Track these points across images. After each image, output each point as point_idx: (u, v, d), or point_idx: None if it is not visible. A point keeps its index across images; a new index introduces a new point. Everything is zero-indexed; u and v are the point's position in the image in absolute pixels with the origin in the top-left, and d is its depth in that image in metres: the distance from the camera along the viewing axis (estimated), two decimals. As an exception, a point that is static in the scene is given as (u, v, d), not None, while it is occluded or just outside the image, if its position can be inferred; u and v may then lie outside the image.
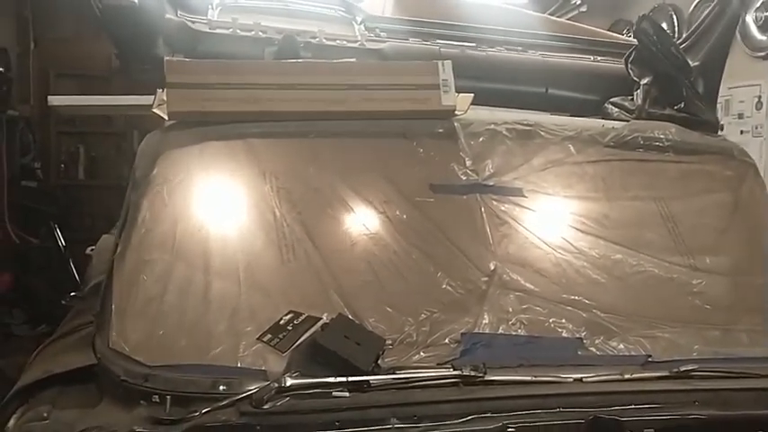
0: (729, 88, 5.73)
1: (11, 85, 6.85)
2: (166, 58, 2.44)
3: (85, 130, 8.05)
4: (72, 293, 3.40)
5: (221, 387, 1.90)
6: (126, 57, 3.15)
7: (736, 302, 2.42)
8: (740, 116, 5.75)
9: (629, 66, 3.13)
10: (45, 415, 1.94)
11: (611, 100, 3.18)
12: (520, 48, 3.27)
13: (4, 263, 6.72)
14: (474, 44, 3.24)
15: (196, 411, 1.81)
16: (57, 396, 2.04)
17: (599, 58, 3.35)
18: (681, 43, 3.28)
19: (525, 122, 2.59)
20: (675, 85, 3.02)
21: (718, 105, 5.75)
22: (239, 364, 1.97)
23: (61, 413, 1.93)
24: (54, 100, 2.36)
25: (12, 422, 2.03)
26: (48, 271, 7.09)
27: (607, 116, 3.12)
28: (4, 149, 6.68)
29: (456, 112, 2.54)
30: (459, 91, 2.72)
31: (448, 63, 2.52)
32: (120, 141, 8.17)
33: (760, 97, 5.63)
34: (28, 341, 6.54)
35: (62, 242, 7.39)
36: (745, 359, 2.21)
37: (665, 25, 5.70)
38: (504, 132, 2.52)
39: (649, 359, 2.15)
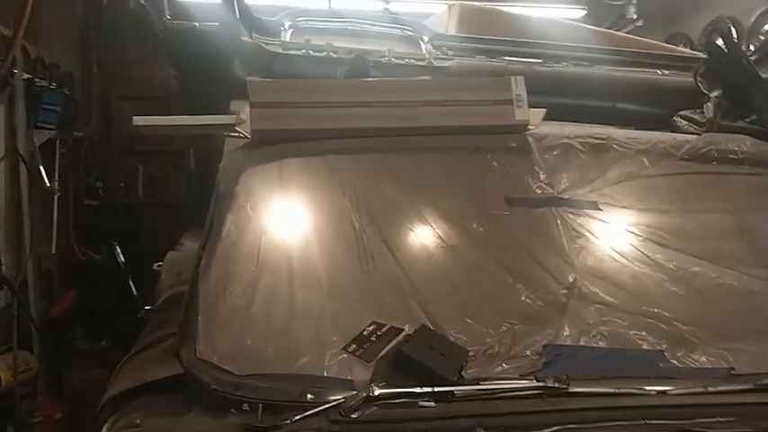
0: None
1: (76, 107, 7.07)
2: (249, 78, 2.52)
3: (144, 149, 8.25)
4: (147, 307, 3.49)
5: (309, 396, 1.93)
6: (186, 77, 3.26)
7: (818, 315, 2.39)
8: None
9: (699, 79, 3.13)
10: (138, 422, 2.01)
11: (681, 113, 3.17)
12: (586, 63, 3.29)
13: (71, 279, 6.91)
14: (540, 60, 3.28)
15: (287, 419, 1.85)
16: (146, 405, 2.10)
17: (665, 72, 3.34)
18: (751, 55, 3.28)
19: (598, 136, 2.61)
20: (747, 97, 3.02)
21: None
22: (326, 374, 2.01)
23: (154, 420, 2.00)
24: (138, 120, 2.45)
25: (105, 430, 2.11)
26: (108, 287, 7.27)
27: (676, 129, 3.12)
28: (70, 169, 6.87)
29: (529, 127, 2.57)
30: (528, 106, 2.76)
31: (520, 78, 2.56)
32: (178, 160, 8.35)
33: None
34: (90, 355, 6.72)
35: (122, 258, 7.56)
36: (830, 372, 2.18)
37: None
38: (578, 146, 2.55)
39: (732, 372, 2.14)
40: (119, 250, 7.67)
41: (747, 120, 3.00)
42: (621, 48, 3.39)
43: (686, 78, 3.21)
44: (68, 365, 6.33)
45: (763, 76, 3.16)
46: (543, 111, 2.63)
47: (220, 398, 1.98)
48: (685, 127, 3.12)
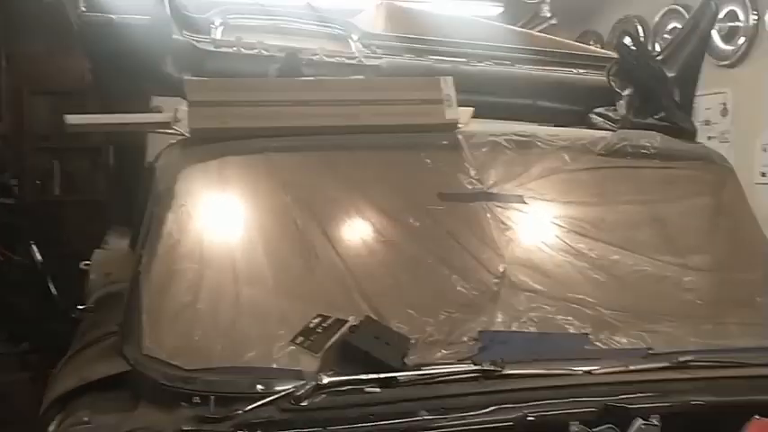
0: (696, 96, 5.99)
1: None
2: (186, 77, 2.56)
3: (60, 146, 8.05)
4: (79, 306, 3.47)
5: (259, 387, 2.01)
6: (102, 73, 3.24)
7: (724, 298, 2.61)
8: (707, 122, 5.99)
9: (611, 78, 3.32)
10: (86, 420, 2.04)
11: (596, 110, 3.35)
12: (507, 62, 3.44)
13: (-17, 280, 6.71)
14: (465, 59, 3.41)
15: (238, 410, 1.92)
16: (92, 403, 2.13)
17: (580, 71, 3.52)
18: (657, 55, 3.50)
19: (523, 133, 2.75)
20: (655, 96, 3.22)
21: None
22: (275, 365, 2.09)
23: (102, 417, 2.03)
24: (71, 119, 2.42)
25: (53, 428, 2.13)
26: (26, 287, 7.08)
27: (592, 126, 3.30)
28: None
29: (458, 125, 2.69)
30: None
31: (449, 79, 2.68)
32: (96, 156, 8.18)
33: (725, 104, 5.89)
34: (10, 358, 6.54)
35: (39, 258, 7.37)
36: (738, 350, 2.39)
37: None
38: (504, 143, 2.68)
39: (650, 351, 2.32)
40: (35, 249, 7.49)
41: (656, 117, 3.19)
42: (539, 47, 3.55)
43: (600, 77, 3.39)
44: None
45: (669, 75, 3.39)
46: (471, 109, 2.76)
47: (170, 392, 2.03)
48: (600, 123, 3.31)
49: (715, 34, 5.85)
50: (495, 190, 2.60)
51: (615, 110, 3.29)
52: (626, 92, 3.27)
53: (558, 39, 3.92)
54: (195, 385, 2.02)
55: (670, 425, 2.03)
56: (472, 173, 2.61)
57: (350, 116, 2.57)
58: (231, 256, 2.33)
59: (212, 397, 1.96)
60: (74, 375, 2.36)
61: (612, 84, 3.32)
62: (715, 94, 5.84)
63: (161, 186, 2.47)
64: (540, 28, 6.65)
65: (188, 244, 2.34)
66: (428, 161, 2.62)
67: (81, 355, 2.63)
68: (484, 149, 2.66)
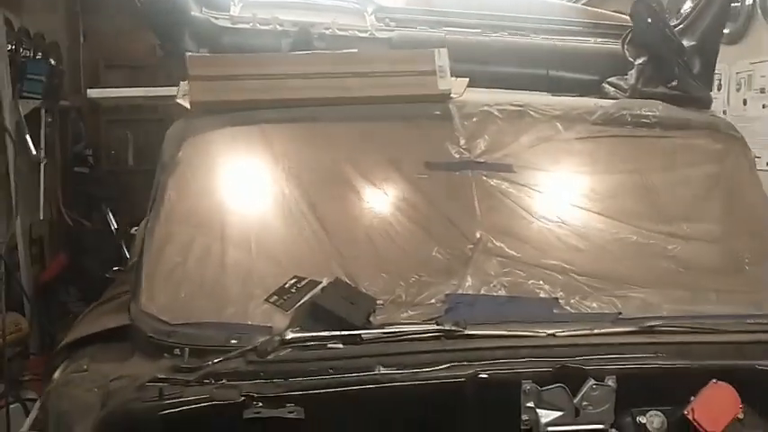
0: (752, 63, 5.81)
1: (62, 77, 7.23)
2: (188, 53, 2.72)
3: (132, 117, 8.41)
4: (115, 268, 3.73)
5: (233, 341, 2.17)
6: (168, 47, 3.43)
7: (710, 265, 2.61)
8: (762, 90, 5.80)
9: (625, 46, 3.31)
10: (84, 367, 2.26)
11: (608, 80, 3.35)
12: (523, 32, 3.46)
13: (60, 244, 7.16)
14: (479, 30, 3.45)
15: (209, 361, 2.09)
16: (95, 352, 2.35)
17: (598, 40, 3.51)
18: (677, 24, 3.45)
19: (516, 103, 2.80)
20: (668, 65, 3.19)
21: (741, 81, 5.87)
22: (249, 322, 2.25)
23: (98, 366, 2.24)
24: (93, 92, 2.65)
25: (57, 373, 2.35)
26: (100, 252, 7.50)
27: (605, 95, 3.30)
28: (57, 138, 7.07)
29: (452, 96, 2.76)
30: (465, 75, 2.95)
31: (444, 50, 2.75)
32: (166, 128, 8.51)
33: (782, 71, 5.67)
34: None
35: (114, 224, 7.80)
36: (711, 316, 2.40)
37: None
38: (496, 113, 2.74)
39: (620, 316, 2.36)
40: (111, 217, 7.90)
41: (669, 86, 3.17)
42: (557, 17, 3.55)
43: (617, 46, 3.37)
44: (60, 327, 6.59)
45: (689, 44, 3.35)
46: (466, 80, 2.82)
47: (157, 345, 2.22)
48: (612, 93, 3.30)
49: (777, -4, 5.64)
50: (483, 159, 2.67)
51: (627, 79, 3.29)
52: (639, 60, 3.26)
53: (580, 7, 3.90)
54: (176, 338, 2.20)
55: (632, 388, 2.09)
56: (461, 142, 2.69)
57: (344, 88, 2.68)
58: (222, 220, 2.49)
59: (186, 349, 2.13)
60: (86, 326, 2.60)
61: (626, 52, 3.31)
62: (773, 60, 5.63)
63: (165, 156, 2.66)
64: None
65: (184, 209, 2.52)
66: (418, 131, 2.71)
67: (98, 309, 2.87)
68: (475, 119, 2.73)
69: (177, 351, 2.16)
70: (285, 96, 2.65)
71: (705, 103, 3.20)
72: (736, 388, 2.08)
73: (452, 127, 2.70)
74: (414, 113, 2.73)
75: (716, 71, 6.07)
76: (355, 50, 2.92)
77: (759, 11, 5.60)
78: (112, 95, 2.63)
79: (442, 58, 2.73)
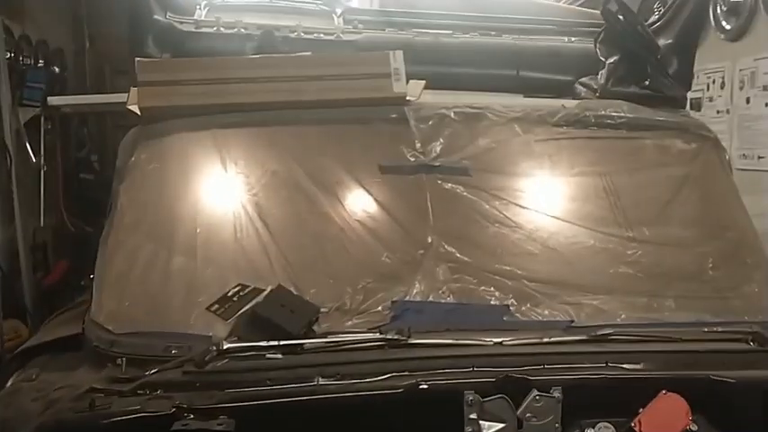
0: (755, 60, 5.69)
1: (65, 84, 7.28)
2: (137, 58, 2.70)
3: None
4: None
5: (173, 351, 2.15)
6: (134, 51, 3.43)
7: (671, 271, 2.53)
8: (765, 88, 5.68)
9: (597, 45, 3.24)
10: (34, 376, 2.25)
11: (580, 80, 3.29)
12: (493, 33, 3.41)
13: (62, 250, 7.19)
14: (450, 31, 3.40)
15: (146, 372, 2.06)
16: (47, 361, 2.34)
17: (572, 39, 3.45)
18: (655, 22, 3.37)
19: (475, 105, 2.75)
20: (641, 64, 3.11)
21: (744, 78, 5.75)
22: (190, 331, 2.22)
23: (48, 375, 2.23)
24: (53, 100, 2.65)
25: (10, 382, 2.35)
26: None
27: (576, 96, 3.24)
28: (58, 145, 7.11)
29: (408, 98, 2.72)
30: (435, 77, 2.91)
31: (399, 53, 2.71)
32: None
33: (787, 69, 5.54)
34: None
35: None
36: (667, 324, 2.33)
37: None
38: (453, 116, 2.69)
39: (572, 324, 2.30)
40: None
41: (641, 86, 3.09)
42: (529, 16, 3.49)
43: (589, 45, 3.30)
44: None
45: (665, 42, 3.27)
46: (423, 82, 2.77)
47: (102, 354, 2.20)
48: (583, 93, 3.24)
49: (774, -5, 5.51)
50: (438, 162, 2.63)
51: (598, 79, 3.22)
52: (610, 59, 3.19)
53: (556, 5, 3.83)
54: (118, 347, 2.18)
55: (580, 399, 2.03)
56: (417, 145, 2.65)
57: (295, 92, 2.65)
58: (170, 228, 2.47)
59: (123, 359, 2.11)
60: (45, 334, 2.60)
61: (598, 51, 3.24)
62: (776, 58, 5.51)
63: (119, 163, 2.65)
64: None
65: (134, 217, 2.51)
66: (373, 135, 2.67)
67: (61, 316, 2.87)
68: (431, 122, 2.68)
69: (119, 361, 2.14)
70: (237, 100, 2.63)
71: (679, 103, 3.12)
72: (690, 399, 2.01)
73: (408, 130, 2.66)
74: (369, 117, 2.69)
75: (719, 69, 6.03)
76: (309, 53, 2.88)
77: (762, 6, 5.49)
78: (72, 102, 2.63)
79: (397, 61, 2.68)
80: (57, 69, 7.12)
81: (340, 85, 2.67)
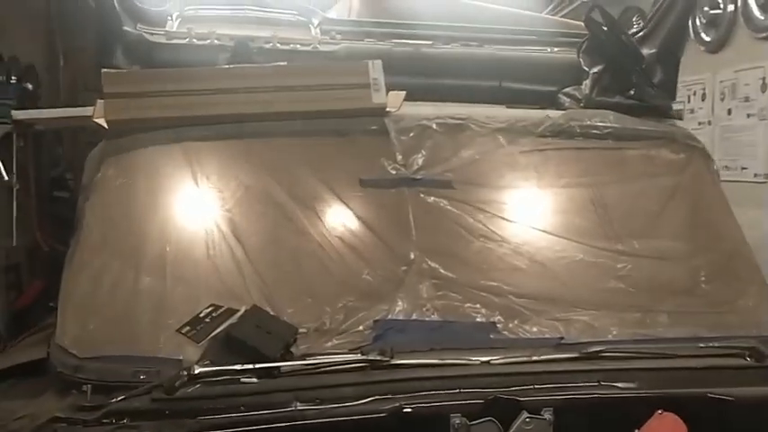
0: (735, 71, 5.68)
1: (37, 101, 7.13)
2: (103, 70, 2.58)
3: (113, 140, 8.25)
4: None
5: (141, 376, 2.02)
6: (103, 63, 3.32)
7: (663, 285, 2.45)
8: (746, 99, 5.66)
9: (581, 55, 3.17)
10: None
11: (564, 90, 3.22)
12: (475, 43, 3.33)
13: (36, 270, 7.02)
14: (430, 42, 3.32)
15: (113, 399, 1.94)
16: (9, 387, 2.21)
17: (555, 49, 3.38)
18: (637, 32, 3.32)
19: (457, 116, 2.66)
20: (625, 73, 3.05)
21: (725, 90, 5.73)
22: (159, 355, 2.10)
23: (7, 403, 2.10)
24: (18, 114, 2.56)
25: None
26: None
27: (560, 106, 3.17)
28: (31, 163, 6.94)
29: (388, 109, 2.62)
30: (411, 88, 2.82)
31: (378, 62, 2.61)
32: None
33: (765, 79, 5.53)
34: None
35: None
36: (661, 340, 2.24)
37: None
38: (435, 127, 2.60)
39: (562, 341, 2.20)
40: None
41: (626, 95, 3.02)
42: (512, 26, 3.42)
43: (572, 55, 3.24)
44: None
45: (650, 51, 3.21)
46: (403, 93, 2.68)
47: (67, 380, 2.07)
48: (567, 104, 3.16)
49: (752, 5, 5.51)
50: (420, 175, 2.53)
51: (582, 89, 3.15)
52: (594, 69, 3.12)
53: (538, 15, 3.77)
54: (83, 373, 2.05)
55: (573, 419, 1.94)
56: (398, 158, 2.55)
57: (270, 103, 2.54)
58: (138, 246, 2.35)
59: (89, 386, 1.98)
60: (9, 358, 2.46)
61: (582, 61, 3.18)
62: (754, 68, 5.49)
63: (84, 180, 2.52)
64: (576, 4, 6.45)
65: (99, 236, 2.39)
66: (351, 147, 2.57)
67: (28, 339, 2.73)
68: (412, 134, 2.59)
69: (85, 387, 2.02)
70: (208, 112, 2.52)
71: (665, 112, 3.05)
72: (686, 418, 1.92)
73: (388, 142, 2.56)
74: (347, 128, 2.59)
75: (700, 80, 6.01)
76: (284, 63, 2.78)
77: (741, 18, 5.49)
78: (36, 117, 2.53)
79: (376, 71, 2.59)
80: (30, 86, 6.99)
81: (317, 95, 2.57)
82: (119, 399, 1.93)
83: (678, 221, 2.64)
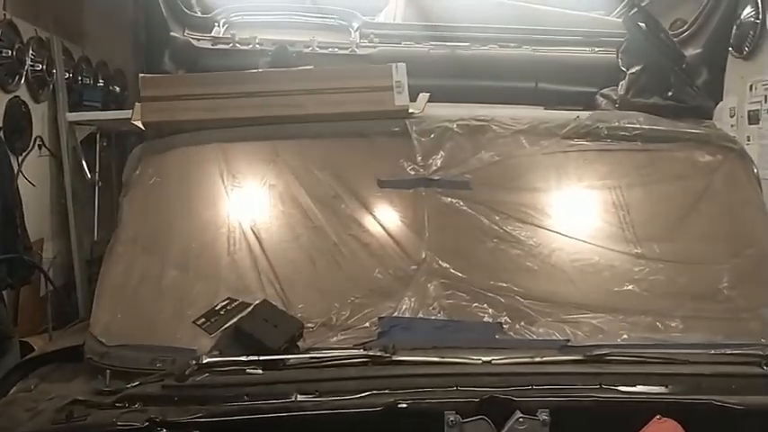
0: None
1: (123, 102, 7.46)
2: (141, 75, 2.73)
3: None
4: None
5: (158, 364, 2.15)
6: (151, 67, 3.49)
7: (681, 289, 2.39)
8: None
9: (620, 55, 3.13)
10: (32, 387, 2.28)
11: (601, 91, 3.19)
12: (514, 44, 3.33)
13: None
14: (467, 43, 3.34)
15: (128, 385, 2.06)
16: (49, 372, 2.37)
17: (597, 50, 3.34)
18: (681, 33, 3.25)
19: (479, 118, 2.68)
20: (664, 73, 2.99)
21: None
22: (175, 345, 2.21)
23: (46, 385, 2.26)
24: (71, 116, 2.72)
25: (11, 391, 2.39)
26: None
27: (597, 107, 3.13)
28: (114, 162, 7.28)
29: (411, 111, 2.67)
30: (446, 89, 2.86)
31: (402, 65, 2.66)
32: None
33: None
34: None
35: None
36: (671, 345, 2.20)
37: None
38: (455, 129, 2.63)
39: (568, 344, 2.19)
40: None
41: (664, 96, 2.96)
42: (552, 27, 3.40)
43: (613, 56, 3.20)
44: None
45: (694, 52, 3.14)
46: (427, 95, 2.72)
47: (95, 366, 2.22)
48: (603, 105, 3.13)
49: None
50: (438, 176, 2.57)
51: (618, 90, 3.11)
52: (631, 70, 3.07)
53: (580, 14, 3.71)
54: (107, 360, 2.19)
55: (571, 422, 1.94)
56: (418, 159, 2.59)
57: (297, 106, 2.64)
58: (166, 241, 2.48)
59: (108, 371, 2.11)
60: (52, 344, 2.64)
61: (620, 62, 3.14)
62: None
63: (124, 177, 2.68)
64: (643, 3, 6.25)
65: (134, 231, 2.53)
66: (373, 148, 2.63)
67: (75, 326, 2.91)
68: (432, 135, 2.63)
69: (108, 373, 2.16)
70: (238, 115, 2.63)
71: (705, 113, 2.98)
72: (689, 425, 1.88)
73: (409, 143, 2.61)
74: (370, 130, 2.66)
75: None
76: (311, 67, 2.86)
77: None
78: (89, 119, 2.69)
79: (399, 74, 2.64)
80: (117, 89, 7.33)
81: (342, 98, 2.64)
82: (134, 385, 2.05)
83: (704, 225, 2.57)
